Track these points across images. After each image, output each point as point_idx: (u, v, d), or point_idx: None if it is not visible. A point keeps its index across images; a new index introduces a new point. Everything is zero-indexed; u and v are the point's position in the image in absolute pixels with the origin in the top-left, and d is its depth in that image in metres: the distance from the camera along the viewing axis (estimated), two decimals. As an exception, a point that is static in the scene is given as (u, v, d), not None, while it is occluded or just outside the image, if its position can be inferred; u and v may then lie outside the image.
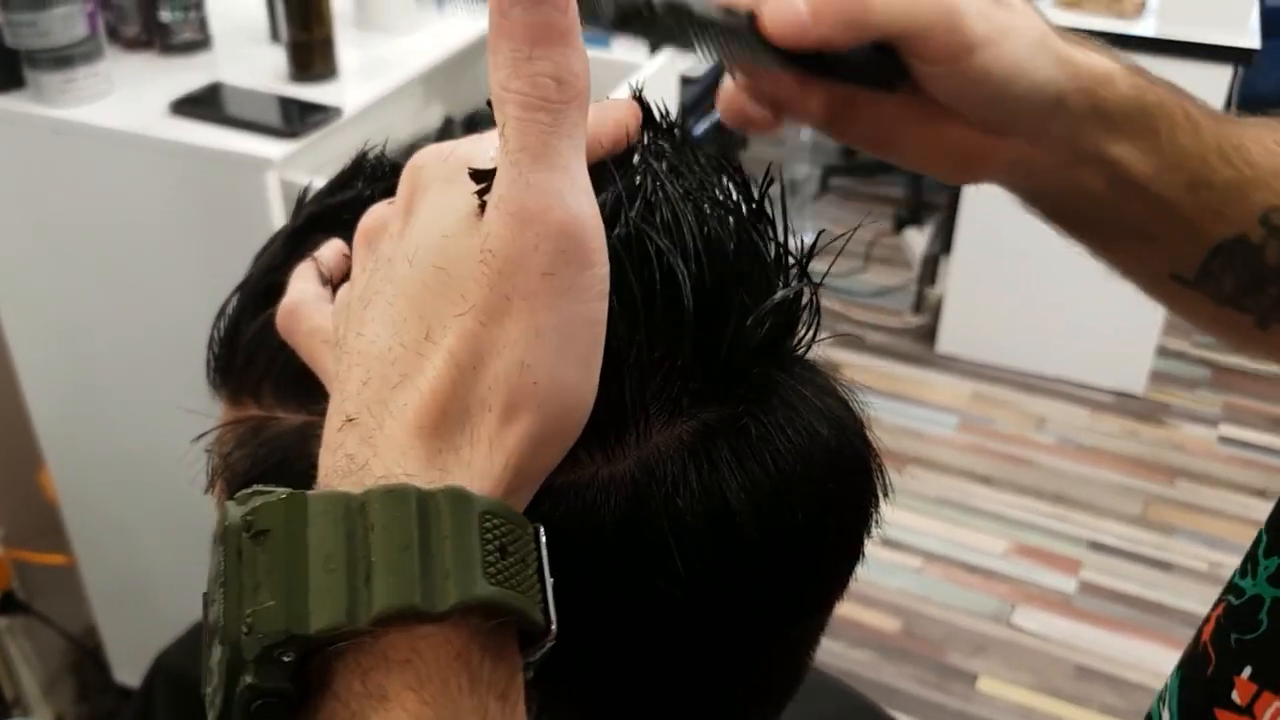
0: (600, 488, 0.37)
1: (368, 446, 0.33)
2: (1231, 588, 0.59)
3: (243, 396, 0.47)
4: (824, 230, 0.45)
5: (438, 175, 0.37)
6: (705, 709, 0.45)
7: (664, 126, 0.43)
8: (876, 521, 0.45)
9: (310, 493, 0.32)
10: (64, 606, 1.85)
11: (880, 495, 0.45)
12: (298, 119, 1.35)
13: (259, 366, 0.46)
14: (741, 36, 0.43)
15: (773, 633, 0.44)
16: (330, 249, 0.46)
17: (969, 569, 2.40)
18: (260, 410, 0.46)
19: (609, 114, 0.41)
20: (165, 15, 1.48)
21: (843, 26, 0.44)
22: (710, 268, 0.38)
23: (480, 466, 0.33)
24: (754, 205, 0.41)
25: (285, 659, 0.31)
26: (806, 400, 0.41)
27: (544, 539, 0.34)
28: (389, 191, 0.48)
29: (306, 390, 0.43)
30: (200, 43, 1.52)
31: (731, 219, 0.40)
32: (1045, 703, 2.13)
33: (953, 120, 0.51)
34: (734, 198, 0.41)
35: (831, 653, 2.16)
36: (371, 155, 0.51)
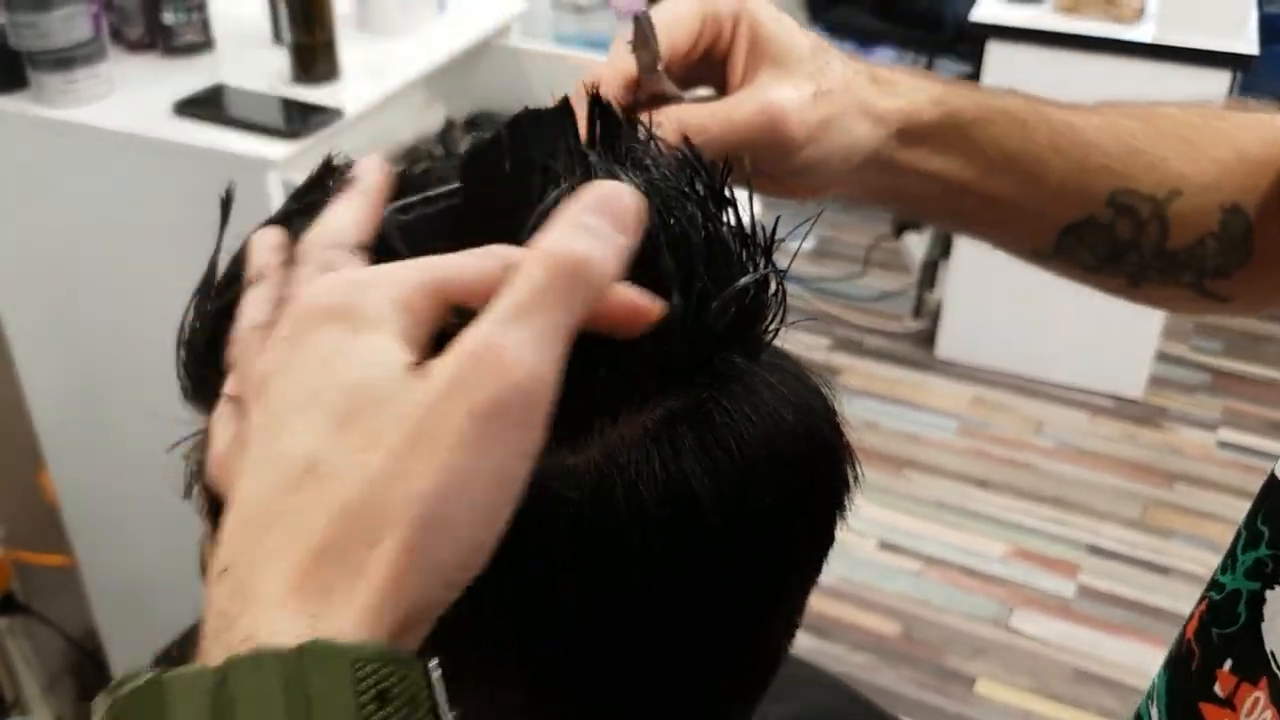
0: (565, 477, 0.37)
1: (239, 600, 0.31)
2: (1213, 584, 0.61)
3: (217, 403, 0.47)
4: (780, 215, 0.45)
5: (327, 316, 0.34)
6: (686, 700, 0.45)
7: (627, 122, 0.43)
8: (848, 508, 0.45)
9: (167, 675, 0.30)
10: (64, 607, 1.85)
11: (851, 481, 0.45)
12: (300, 120, 1.36)
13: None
14: None
15: (748, 620, 0.44)
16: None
17: (968, 572, 2.40)
18: None
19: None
20: (168, 17, 1.48)
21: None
22: (674, 259, 0.38)
23: (360, 606, 0.30)
24: (717, 196, 0.41)
25: None
26: (772, 387, 0.41)
27: (436, 675, 0.31)
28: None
29: None
30: (203, 45, 1.52)
31: (698, 212, 0.40)
32: (1044, 705, 2.14)
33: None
34: (698, 190, 0.41)
35: (831, 656, 2.16)
36: (338, 160, 0.51)
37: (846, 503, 0.45)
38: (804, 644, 0.50)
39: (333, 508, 0.31)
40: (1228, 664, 0.58)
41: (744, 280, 0.40)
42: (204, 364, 0.47)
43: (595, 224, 0.34)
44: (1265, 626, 0.56)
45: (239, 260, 0.48)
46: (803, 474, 0.42)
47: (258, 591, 0.30)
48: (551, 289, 0.32)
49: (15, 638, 1.80)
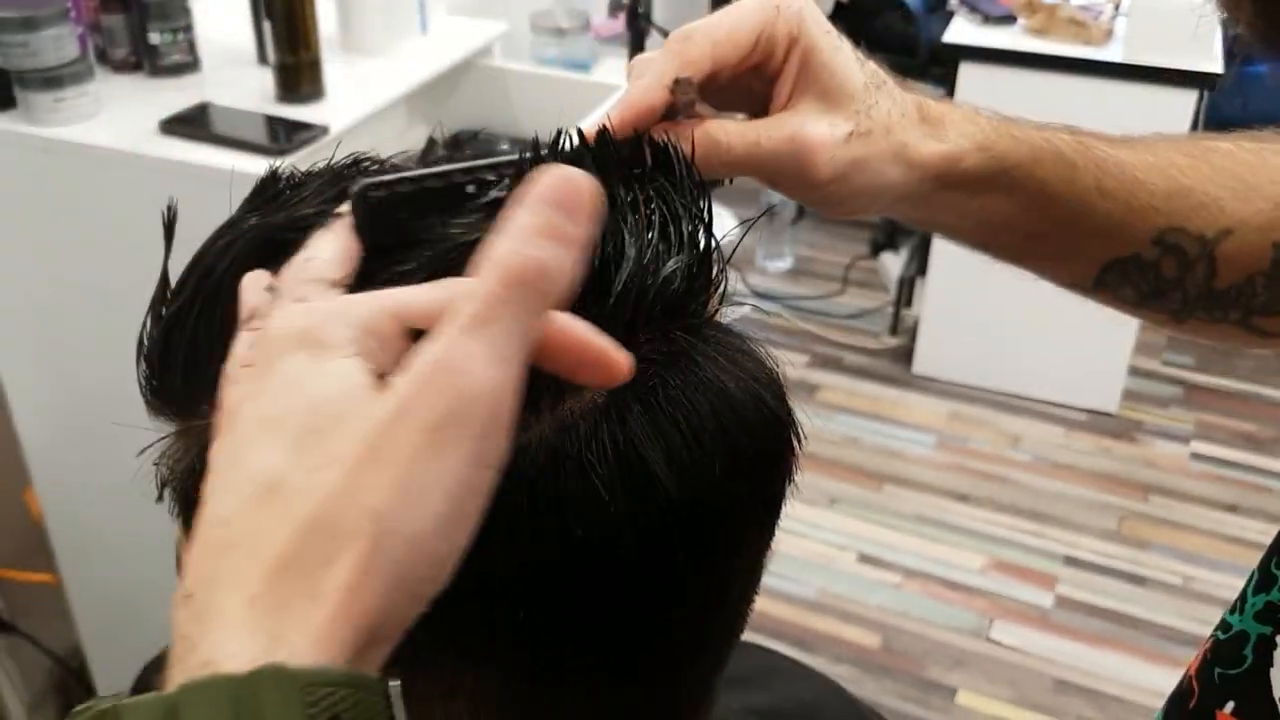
0: (518, 454, 0.37)
1: (198, 623, 0.31)
2: (1221, 624, 0.60)
3: (185, 412, 0.47)
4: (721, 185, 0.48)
5: (293, 343, 0.34)
6: (641, 669, 0.46)
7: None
8: (796, 474, 0.46)
9: (124, 703, 0.30)
10: (49, 626, 1.85)
11: (798, 448, 0.46)
12: (285, 137, 1.38)
13: (195, 379, 0.45)
14: None
15: (702, 585, 0.45)
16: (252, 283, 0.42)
17: (947, 585, 2.43)
18: (202, 420, 0.45)
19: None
20: (154, 38, 1.50)
21: (700, 164, 0.48)
22: (611, 238, 0.40)
23: (320, 627, 0.30)
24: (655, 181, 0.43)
25: None
26: (714, 359, 0.42)
27: (395, 694, 0.31)
28: (332, 199, 0.47)
29: None
30: (189, 65, 1.54)
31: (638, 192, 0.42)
32: (1024, 716, 2.16)
33: None
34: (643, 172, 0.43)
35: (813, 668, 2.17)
36: (284, 170, 0.51)
37: (794, 469, 0.46)
38: (785, 654, 0.52)
39: (289, 525, 0.30)
40: (1230, 706, 0.56)
41: (672, 262, 0.41)
42: (160, 374, 0.48)
43: (549, 219, 0.33)
44: (1274, 672, 0.55)
45: (190, 271, 0.49)
46: (750, 443, 0.43)
47: (216, 614, 0.30)
48: (507, 300, 0.32)
49: (0, 656, 1.80)
